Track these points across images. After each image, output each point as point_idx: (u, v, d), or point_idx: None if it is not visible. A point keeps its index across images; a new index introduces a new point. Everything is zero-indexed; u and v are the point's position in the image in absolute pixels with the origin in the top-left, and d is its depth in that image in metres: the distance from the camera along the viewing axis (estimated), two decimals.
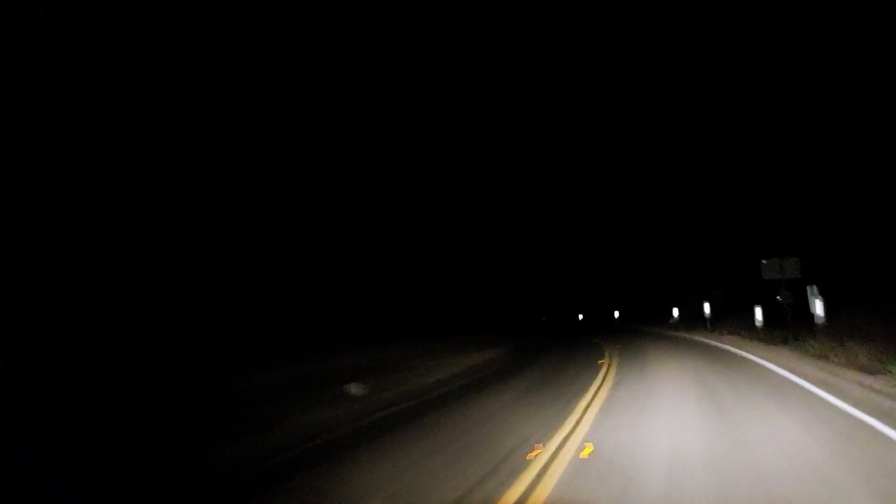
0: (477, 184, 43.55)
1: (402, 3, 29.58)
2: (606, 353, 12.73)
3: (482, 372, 10.98)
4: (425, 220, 42.56)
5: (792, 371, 8.10)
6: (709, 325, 19.48)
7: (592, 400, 6.63)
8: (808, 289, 11.34)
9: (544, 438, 4.90)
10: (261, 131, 22.19)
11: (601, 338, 19.98)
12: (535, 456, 4.37)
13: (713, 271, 24.58)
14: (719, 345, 13.88)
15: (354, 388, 8.26)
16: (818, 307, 11.10)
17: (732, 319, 18.09)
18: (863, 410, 5.19)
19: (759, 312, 15.37)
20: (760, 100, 20.56)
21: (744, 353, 11.21)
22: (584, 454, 4.36)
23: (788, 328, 12.47)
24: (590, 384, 7.94)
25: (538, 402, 6.94)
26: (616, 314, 35.99)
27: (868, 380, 6.78)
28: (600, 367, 10.04)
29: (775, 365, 8.91)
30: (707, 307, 19.62)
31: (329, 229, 30.21)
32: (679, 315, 25.38)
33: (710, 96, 23.01)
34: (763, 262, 14.12)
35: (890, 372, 6.76)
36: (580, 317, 41.63)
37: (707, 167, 23.55)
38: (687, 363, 10.24)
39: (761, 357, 10.22)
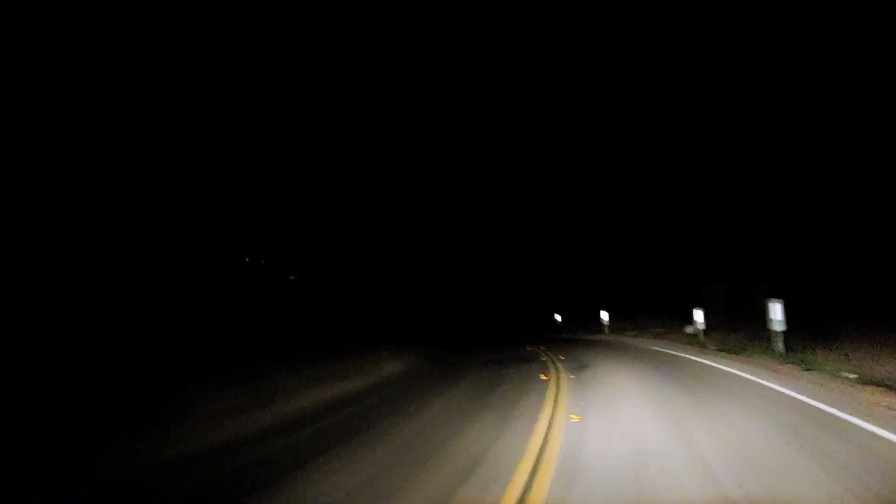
0: (477, 184, 43.64)
1: (402, 3, 29.63)
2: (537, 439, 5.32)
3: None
4: (426, 221, 42.65)
5: None
6: (782, 347, 10.97)
7: None
8: None
9: None
10: (261, 132, 22.21)
11: (565, 358, 13.17)
12: None
13: (720, 266, 23.09)
14: None
15: None
16: None
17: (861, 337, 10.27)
18: None
19: None
20: (760, 100, 20.56)
21: None
22: None
23: None
24: None
25: None
26: (605, 316, 26.23)
27: None
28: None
29: None
30: (777, 311, 11.04)
31: (330, 230, 30.24)
32: (705, 320, 16.10)
33: (710, 96, 23.03)
34: None
35: None
36: (558, 318, 34.05)
37: (707, 167, 23.54)
38: None
39: None
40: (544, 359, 13.39)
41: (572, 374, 10.14)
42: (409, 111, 39.87)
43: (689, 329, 17.73)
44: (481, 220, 43.67)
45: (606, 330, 25.06)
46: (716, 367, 10.40)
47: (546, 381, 9.28)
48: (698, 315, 16.18)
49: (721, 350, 13.58)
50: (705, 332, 16.07)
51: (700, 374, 9.74)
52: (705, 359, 11.94)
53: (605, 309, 26.10)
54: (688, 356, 12.72)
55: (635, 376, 9.53)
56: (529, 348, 17.41)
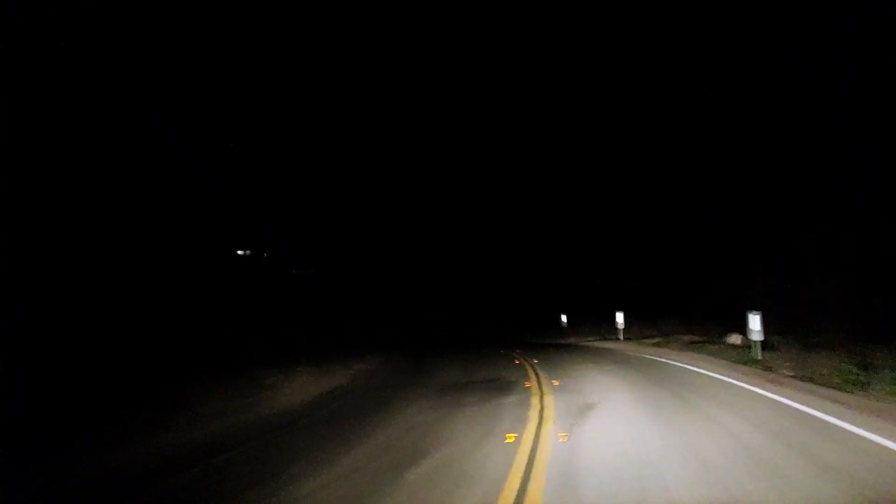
0: (478, 185, 43.69)
1: (402, 4, 29.65)
2: None
3: None
4: (428, 222, 42.68)
5: None
6: None
7: None
8: None
9: None
10: (260, 132, 22.21)
11: (560, 384, 9.09)
12: None
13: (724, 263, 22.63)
14: None
15: None
16: None
17: None
18: None
19: None
20: (760, 100, 20.57)
21: None
22: None
23: None
24: None
25: None
26: (621, 318, 21.00)
27: None
28: None
29: None
30: None
31: (330, 231, 30.25)
32: (760, 325, 11.21)
33: (710, 96, 23.04)
34: None
35: None
36: (563, 319, 29.79)
37: (707, 167, 23.56)
38: None
39: None
40: (529, 384, 9.09)
41: (564, 427, 6.00)
42: (409, 112, 39.93)
43: (732, 339, 13.90)
44: (482, 220, 43.73)
45: (621, 335, 20.47)
46: (844, 430, 5.49)
47: (513, 449, 5.27)
48: (754, 321, 11.13)
49: (804, 378, 8.90)
50: (764, 345, 11.44)
51: (814, 448, 4.94)
52: (797, 401, 6.92)
53: (620, 309, 21.33)
54: (758, 391, 7.80)
55: (687, 445, 5.14)
56: (518, 361, 13.18)
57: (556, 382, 9.24)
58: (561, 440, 5.54)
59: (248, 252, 21.22)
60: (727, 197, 22.72)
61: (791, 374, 9.54)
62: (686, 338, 16.98)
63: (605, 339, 21.25)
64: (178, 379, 8.96)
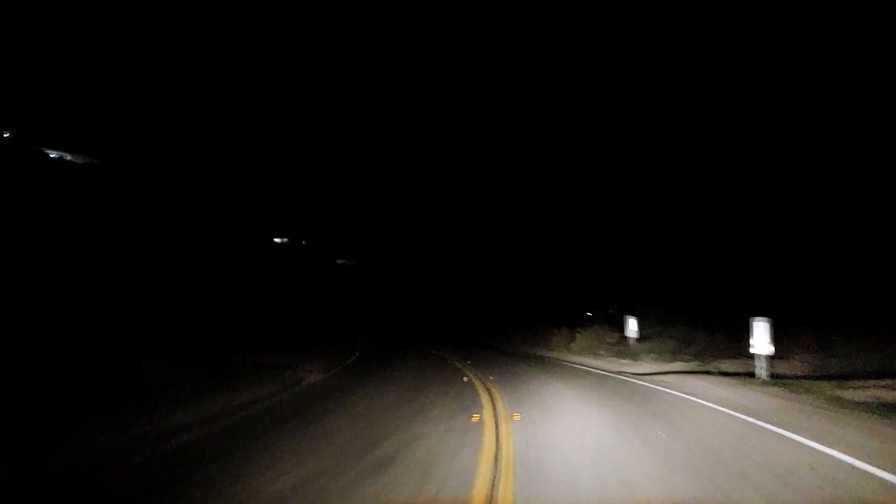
0: (476, 185, 43.73)
1: (403, 4, 29.68)
2: None
3: None
4: (425, 221, 42.73)
5: None
6: None
7: None
8: None
9: None
10: (260, 132, 22.27)
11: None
12: None
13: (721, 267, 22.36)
14: None
15: None
16: None
17: None
18: None
19: None
20: (760, 100, 20.56)
21: None
22: None
23: None
24: None
25: None
26: (763, 333, 10.54)
27: None
28: None
29: None
30: None
31: (330, 229, 30.30)
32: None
33: (709, 96, 23.03)
34: None
35: None
36: (633, 327, 20.27)
37: (707, 167, 23.54)
38: None
39: None
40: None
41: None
42: (411, 116, 39.98)
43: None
44: (482, 221, 43.74)
45: (763, 369, 10.97)
46: None
47: None
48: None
49: None
50: None
51: None
52: None
53: (760, 314, 11.20)
54: None
55: None
56: None
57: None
58: None
59: (285, 240, 21.62)
60: (727, 197, 22.72)
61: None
62: None
63: (725, 373, 12.08)
64: None
